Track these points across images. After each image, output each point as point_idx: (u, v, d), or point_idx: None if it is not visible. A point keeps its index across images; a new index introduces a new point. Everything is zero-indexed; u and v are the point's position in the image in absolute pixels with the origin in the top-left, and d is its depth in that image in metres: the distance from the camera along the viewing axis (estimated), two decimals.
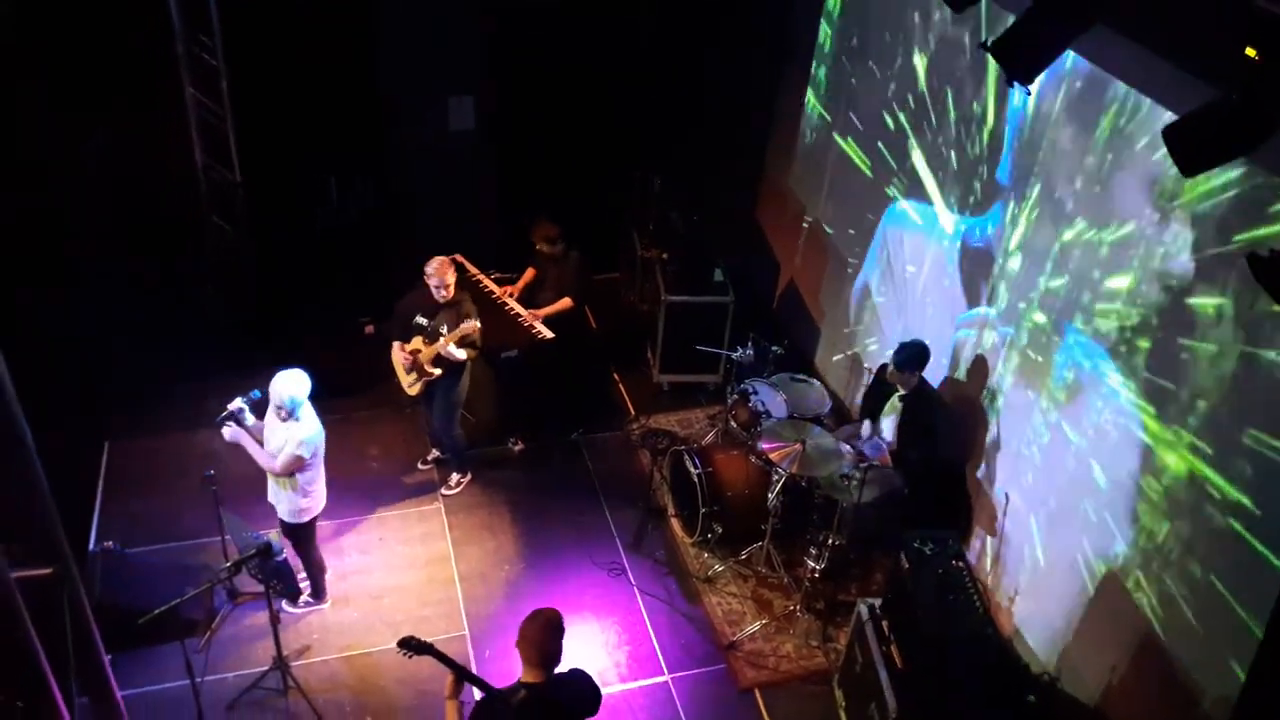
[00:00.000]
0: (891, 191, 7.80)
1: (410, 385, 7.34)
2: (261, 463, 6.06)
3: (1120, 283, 5.43)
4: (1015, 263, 6.35)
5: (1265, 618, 4.45)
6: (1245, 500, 4.68)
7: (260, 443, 6.08)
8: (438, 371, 7.14)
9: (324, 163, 8.99)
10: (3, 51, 7.49)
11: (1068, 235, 5.82)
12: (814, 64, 8.85)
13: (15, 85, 7.65)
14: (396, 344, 7.27)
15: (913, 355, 6.59)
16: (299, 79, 8.38)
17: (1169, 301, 5.09)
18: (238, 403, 5.94)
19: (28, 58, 7.69)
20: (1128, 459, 5.41)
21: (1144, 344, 5.28)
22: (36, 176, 7.92)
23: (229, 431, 5.98)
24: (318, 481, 6.30)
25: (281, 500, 6.25)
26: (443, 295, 6.99)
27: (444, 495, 7.73)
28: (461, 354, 7.05)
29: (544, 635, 4.33)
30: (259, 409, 6.10)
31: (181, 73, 7.96)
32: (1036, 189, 6.10)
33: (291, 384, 5.89)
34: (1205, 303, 4.86)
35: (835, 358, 8.78)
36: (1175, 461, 5.08)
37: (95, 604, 5.95)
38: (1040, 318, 6.12)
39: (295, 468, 6.03)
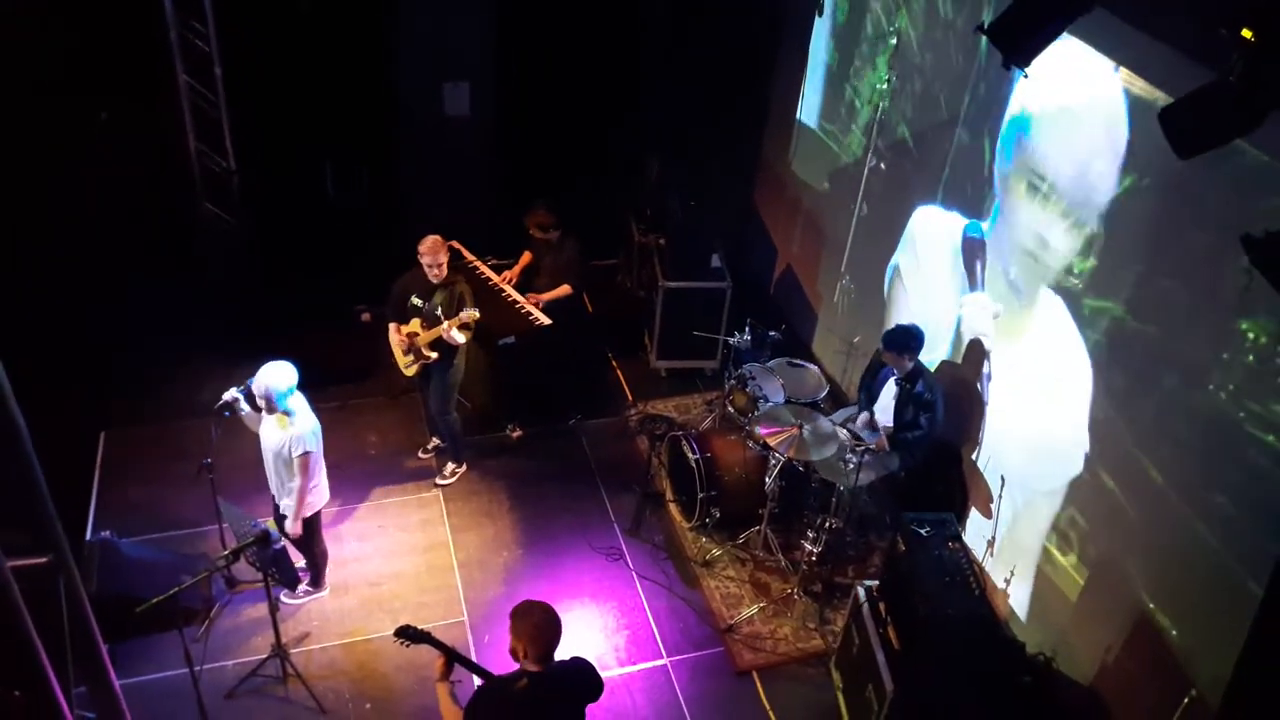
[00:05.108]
0: (889, 176, 7.78)
1: (407, 367, 7.34)
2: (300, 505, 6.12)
3: (1113, 265, 5.44)
4: (1011, 247, 6.34)
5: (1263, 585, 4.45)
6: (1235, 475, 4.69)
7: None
8: (435, 355, 7.13)
9: (320, 149, 8.96)
10: None
11: (1064, 221, 5.82)
12: (810, 47, 8.82)
13: (4, 72, 7.60)
14: (393, 325, 7.27)
15: (906, 338, 6.59)
16: (295, 65, 8.36)
17: (1161, 285, 5.09)
18: (232, 393, 5.92)
19: (17, 44, 7.64)
20: (1119, 441, 5.43)
21: (1138, 327, 5.29)
22: (27, 164, 7.87)
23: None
24: (319, 475, 6.26)
25: (287, 497, 6.18)
26: (435, 274, 6.98)
27: (439, 485, 7.72)
28: (461, 338, 7.03)
29: (541, 633, 4.26)
30: (253, 398, 6.08)
31: (175, 60, 7.93)
32: (1035, 172, 6.09)
33: (270, 376, 5.80)
34: (1202, 286, 4.87)
35: (832, 342, 8.77)
36: (1165, 442, 5.09)
37: (92, 593, 6.00)
38: (1035, 301, 6.12)
39: (308, 464, 6.00)
